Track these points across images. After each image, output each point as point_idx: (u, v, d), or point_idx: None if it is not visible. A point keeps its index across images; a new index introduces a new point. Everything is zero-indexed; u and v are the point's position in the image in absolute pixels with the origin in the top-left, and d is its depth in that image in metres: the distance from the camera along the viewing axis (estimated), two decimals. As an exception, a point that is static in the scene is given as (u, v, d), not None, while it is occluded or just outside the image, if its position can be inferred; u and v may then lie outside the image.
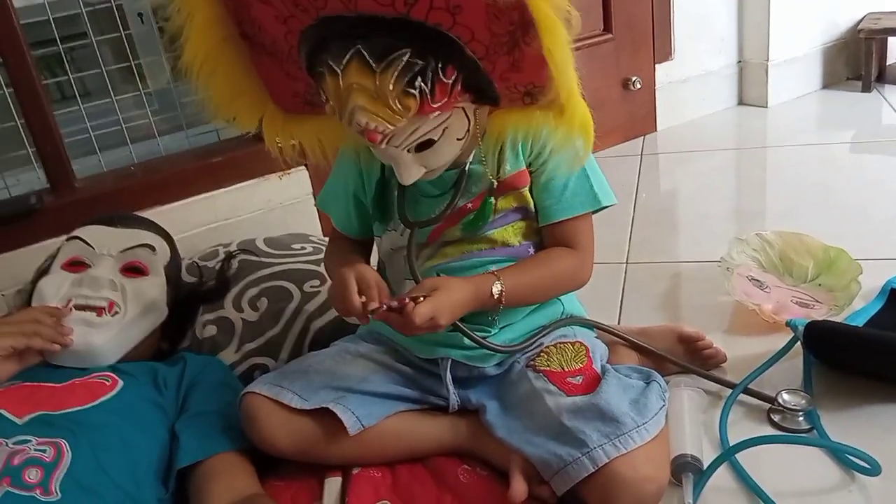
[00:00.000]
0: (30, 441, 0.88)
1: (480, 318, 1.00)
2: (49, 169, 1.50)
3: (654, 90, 2.24)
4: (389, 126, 0.81)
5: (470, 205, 1.00)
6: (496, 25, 0.78)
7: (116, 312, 1.07)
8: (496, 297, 0.95)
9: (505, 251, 1.02)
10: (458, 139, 0.90)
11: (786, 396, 1.05)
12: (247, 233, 1.49)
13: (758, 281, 1.33)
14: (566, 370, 0.97)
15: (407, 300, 0.88)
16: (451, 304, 0.91)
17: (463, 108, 0.87)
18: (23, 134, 1.54)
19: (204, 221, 1.59)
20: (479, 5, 0.75)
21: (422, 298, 0.89)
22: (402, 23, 0.77)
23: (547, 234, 1.03)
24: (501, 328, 1.02)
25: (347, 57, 0.78)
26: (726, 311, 1.31)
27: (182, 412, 1.04)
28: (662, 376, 0.98)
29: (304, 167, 1.67)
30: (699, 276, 1.44)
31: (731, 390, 1.09)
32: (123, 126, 1.66)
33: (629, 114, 2.21)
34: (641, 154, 2.16)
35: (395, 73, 0.78)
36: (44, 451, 0.87)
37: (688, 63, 2.26)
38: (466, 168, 0.98)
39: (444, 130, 0.86)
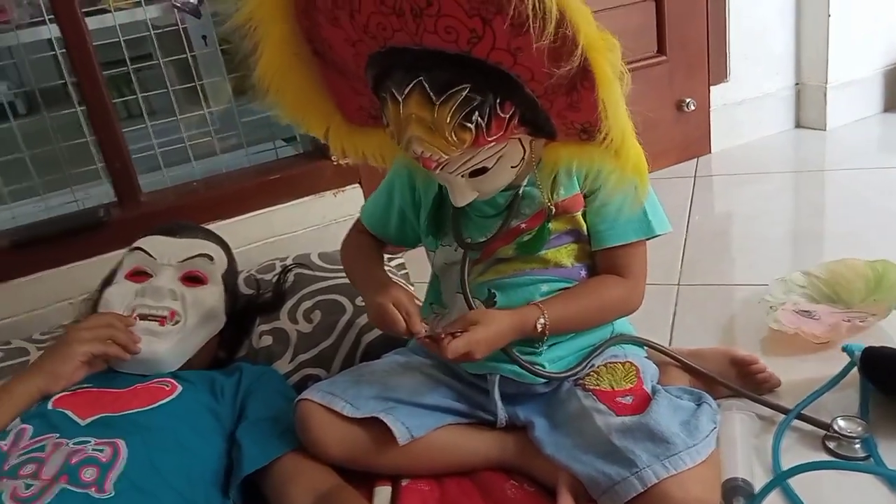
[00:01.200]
0: (89, 441, 0.92)
1: (530, 339, 1.00)
2: (117, 184, 1.57)
3: (709, 112, 2.22)
4: (444, 156, 0.84)
5: (524, 225, 1.01)
6: (555, 68, 0.79)
7: (178, 321, 1.11)
8: (539, 329, 0.97)
9: (557, 272, 1.02)
10: (513, 167, 0.91)
11: (841, 423, 1.03)
12: (302, 247, 1.53)
13: (807, 312, 1.30)
14: (616, 389, 0.97)
15: (443, 335, 0.92)
16: (487, 339, 0.93)
17: (519, 139, 0.89)
18: (93, 150, 1.61)
19: (261, 236, 1.64)
20: (540, 49, 0.76)
21: (459, 333, 0.92)
22: (464, 59, 0.80)
23: (599, 259, 1.03)
24: (549, 346, 1.02)
25: (409, 87, 0.81)
26: (780, 335, 1.29)
27: (240, 420, 1.07)
28: (714, 397, 0.98)
29: (357, 185, 1.71)
30: (753, 300, 1.42)
31: (784, 415, 1.07)
32: (187, 144, 1.72)
33: (683, 135, 2.20)
34: (695, 175, 2.14)
35: (453, 107, 0.80)
36: (101, 450, 0.91)
37: (744, 85, 2.24)
38: (521, 191, 0.99)
39: (498, 159, 0.88)
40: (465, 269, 1.00)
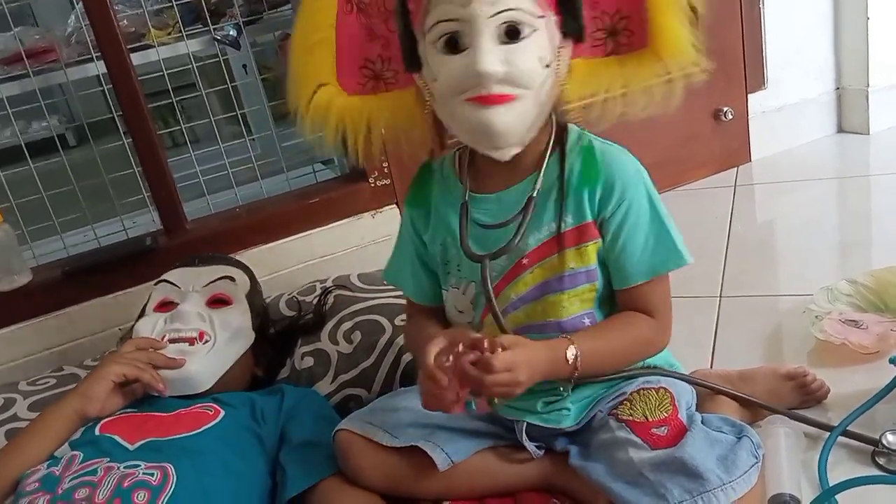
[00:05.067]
0: (139, 465, 0.95)
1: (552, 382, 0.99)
2: (163, 212, 1.61)
3: (748, 120, 2.19)
4: None
5: (526, 261, 0.97)
6: None
7: (207, 340, 1.14)
8: (571, 361, 0.92)
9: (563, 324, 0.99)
10: (543, 63, 0.88)
11: (891, 437, 1.00)
12: (342, 269, 1.55)
13: (853, 321, 1.27)
14: (650, 420, 0.92)
15: (486, 342, 0.86)
16: (528, 360, 0.88)
17: (551, 31, 0.88)
18: (140, 180, 1.67)
19: (302, 259, 1.67)
20: None
21: (500, 349, 0.86)
22: None
23: (621, 298, 0.99)
24: (576, 386, 0.99)
25: None
26: (826, 346, 1.26)
27: (283, 443, 1.09)
28: (761, 419, 0.95)
29: (394, 205, 1.73)
30: (797, 310, 1.39)
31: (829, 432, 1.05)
32: (229, 170, 1.77)
33: (721, 145, 2.17)
34: (735, 185, 2.11)
35: None
36: (151, 474, 0.94)
37: (782, 91, 2.20)
38: (535, 193, 0.96)
39: (533, 31, 0.87)
40: (489, 282, 0.95)
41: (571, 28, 0.91)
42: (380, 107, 1.03)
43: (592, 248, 0.97)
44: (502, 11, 0.86)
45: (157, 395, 1.10)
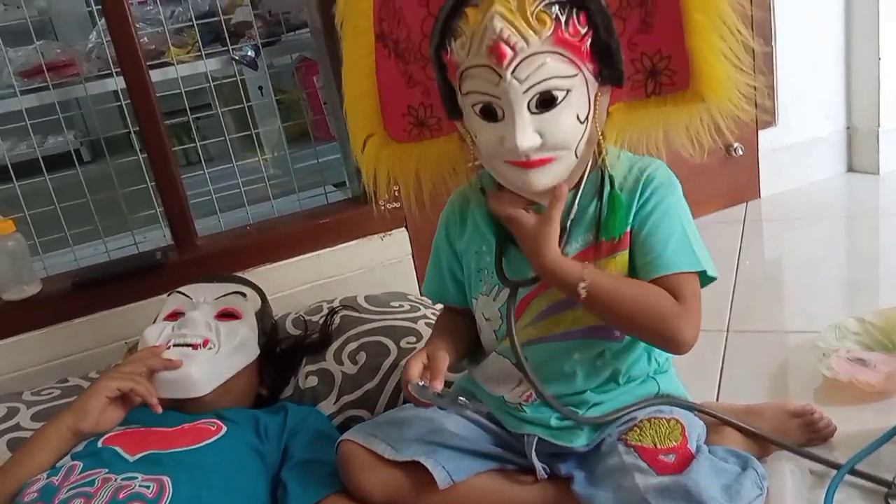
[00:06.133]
0: (136, 477, 0.95)
1: (569, 399, 1.00)
2: (174, 228, 1.62)
3: (758, 156, 2.20)
4: (521, 39, 0.83)
5: None
6: None
7: (210, 348, 1.15)
8: (580, 275, 0.90)
9: (591, 332, 0.99)
10: (579, 120, 0.89)
11: (902, 477, 0.99)
12: (349, 290, 1.55)
13: (861, 360, 1.27)
14: (659, 447, 0.92)
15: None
16: (534, 224, 0.92)
17: (586, 85, 0.88)
18: (153, 195, 1.68)
19: (310, 278, 1.67)
20: None
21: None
22: None
23: None
24: (591, 406, 1.01)
25: None
26: (834, 383, 1.25)
27: (285, 460, 1.08)
28: (768, 454, 0.94)
29: (403, 229, 1.74)
30: (805, 347, 1.39)
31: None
32: (242, 189, 1.78)
33: (731, 180, 2.18)
34: (744, 220, 2.11)
35: None
36: (147, 487, 0.93)
37: (793, 129, 2.21)
38: (569, 221, 0.96)
39: (567, 93, 0.86)
40: (512, 312, 0.97)
41: (609, 76, 0.90)
42: (427, 154, 1.04)
43: (622, 258, 0.97)
44: (536, 84, 0.86)
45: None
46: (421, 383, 0.93)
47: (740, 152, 2.15)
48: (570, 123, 0.88)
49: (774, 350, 1.43)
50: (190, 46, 1.82)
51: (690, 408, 1.03)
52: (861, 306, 1.48)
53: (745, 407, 1.17)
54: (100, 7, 1.52)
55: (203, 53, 1.76)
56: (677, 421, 0.97)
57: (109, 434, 1.05)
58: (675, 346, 0.94)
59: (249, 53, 1.81)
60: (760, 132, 2.17)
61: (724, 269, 1.80)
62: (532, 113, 0.87)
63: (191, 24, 1.80)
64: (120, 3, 1.46)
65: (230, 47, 1.79)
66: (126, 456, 1.00)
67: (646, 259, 0.95)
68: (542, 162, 0.89)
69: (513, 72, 0.84)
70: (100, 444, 1.02)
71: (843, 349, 1.30)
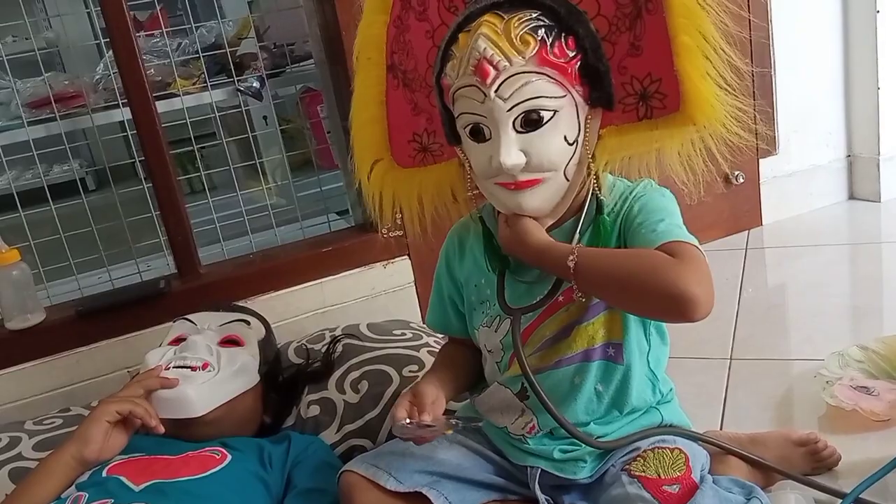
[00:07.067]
0: None
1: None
2: (178, 256, 1.63)
3: (759, 184, 2.21)
4: (504, 59, 0.85)
5: (561, 298, 0.98)
6: None
7: (210, 371, 1.15)
8: (569, 248, 0.90)
9: (593, 354, 0.99)
10: (568, 142, 0.89)
11: (907, 507, 0.98)
12: (352, 318, 1.55)
13: (865, 388, 1.26)
14: (663, 478, 0.91)
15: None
16: (519, 222, 0.92)
17: (576, 107, 0.89)
18: (157, 224, 1.69)
19: (313, 306, 1.68)
20: None
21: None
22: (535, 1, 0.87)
23: None
24: (595, 438, 1.00)
25: (482, 9, 0.88)
26: (838, 412, 1.25)
27: (289, 489, 1.08)
28: (772, 484, 0.93)
29: (406, 257, 1.74)
30: (808, 375, 1.38)
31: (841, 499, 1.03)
32: (245, 218, 1.79)
33: (732, 208, 2.19)
34: (746, 248, 2.12)
35: (522, 20, 0.85)
36: None
37: (794, 157, 2.23)
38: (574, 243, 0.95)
39: (554, 113, 0.87)
40: (517, 338, 0.96)
41: (599, 98, 0.91)
42: (428, 179, 1.07)
43: None
44: (520, 103, 0.87)
45: (162, 434, 1.09)
46: (406, 422, 0.94)
47: (741, 180, 2.16)
48: (557, 144, 0.89)
49: (778, 378, 1.43)
50: (196, 78, 1.84)
51: (694, 437, 1.03)
52: (864, 334, 1.48)
53: (749, 436, 1.16)
54: (107, 39, 1.55)
55: (209, 85, 1.78)
56: (681, 451, 0.96)
57: (114, 463, 1.05)
58: (684, 304, 0.82)
59: (255, 85, 1.83)
60: (761, 160, 2.19)
61: (727, 297, 1.80)
62: (518, 132, 0.88)
63: (197, 56, 1.82)
64: (127, 35, 1.49)
65: (235, 78, 1.82)
66: (131, 485, 0.99)
67: (637, 243, 0.92)
68: (531, 183, 0.90)
69: (496, 90, 0.86)
70: (104, 473, 1.02)
71: (846, 377, 1.30)
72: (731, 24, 0.86)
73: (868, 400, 1.22)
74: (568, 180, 0.92)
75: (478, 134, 0.91)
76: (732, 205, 2.19)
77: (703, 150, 0.90)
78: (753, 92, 2.12)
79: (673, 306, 0.83)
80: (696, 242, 0.89)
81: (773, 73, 2.13)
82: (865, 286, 1.86)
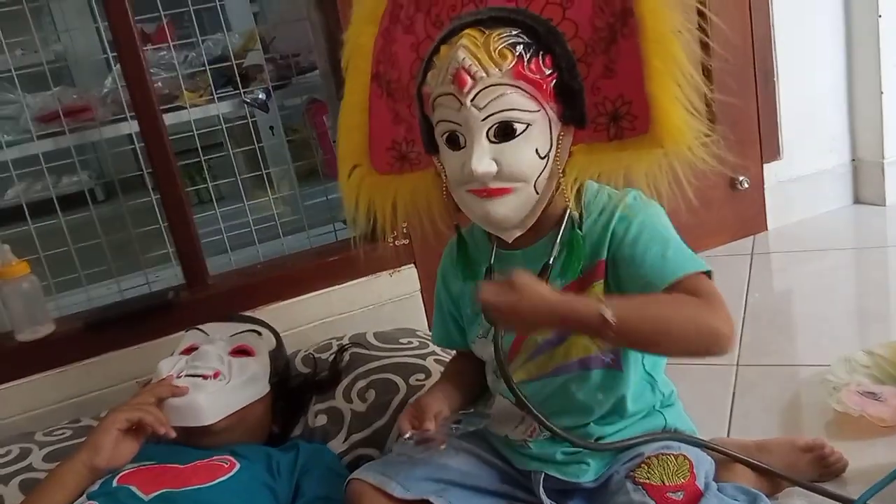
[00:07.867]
0: None
1: (576, 431, 1.00)
2: (186, 267, 1.64)
3: (763, 190, 2.21)
4: (482, 70, 0.87)
5: None
6: (599, 19, 0.89)
7: (221, 380, 1.16)
8: (603, 317, 0.82)
9: (587, 363, 0.99)
10: (539, 155, 0.91)
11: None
12: (359, 327, 1.56)
13: (872, 393, 1.26)
14: (667, 485, 0.91)
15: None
16: (532, 293, 0.84)
17: (549, 122, 0.91)
18: (165, 235, 1.70)
19: (320, 316, 1.68)
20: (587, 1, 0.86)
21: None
22: (515, 20, 0.90)
23: None
24: (596, 440, 1.00)
25: (465, 24, 0.91)
26: (845, 417, 1.25)
27: (297, 497, 1.09)
28: (779, 491, 0.93)
29: (412, 265, 1.75)
30: (815, 380, 1.38)
31: (849, 504, 1.03)
32: (253, 228, 1.80)
33: (737, 214, 2.19)
34: (752, 254, 2.12)
35: (502, 35, 0.88)
36: None
37: (798, 162, 2.23)
38: (551, 259, 0.96)
39: (527, 126, 0.89)
40: (500, 346, 0.95)
41: (572, 117, 0.92)
42: (404, 185, 1.09)
43: (598, 287, 0.96)
44: (494, 114, 0.89)
45: (174, 441, 1.11)
46: (407, 436, 0.96)
47: (746, 185, 2.16)
48: (528, 156, 0.91)
49: (784, 384, 1.43)
50: (203, 90, 1.86)
51: (699, 444, 1.03)
52: (871, 338, 1.48)
53: (756, 443, 1.16)
54: (115, 53, 1.57)
55: (215, 97, 1.80)
56: (685, 457, 0.96)
57: (124, 472, 1.05)
58: (717, 345, 0.86)
59: (261, 96, 1.85)
60: (766, 165, 2.19)
61: (733, 302, 1.80)
62: (491, 142, 0.90)
63: (204, 68, 1.84)
64: (135, 49, 1.50)
65: (242, 90, 1.83)
66: (141, 495, 1.00)
67: (647, 274, 0.92)
68: (501, 192, 0.91)
69: (472, 99, 0.89)
70: (115, 483, 1.03)
71: (853, 383, 1.30)
72: (699, 51, 0.89)
73: (875, 405, 1.22)
74: (538, 193, 0.93)
75: (454, 142, 0.93)
76: (738, 210, 2.19)
77: (669, 173, 0.90)
78: (757, 96, 2.13)
79: (708, 350, 0.87)
80: (703, 266, 0.91)
81: (776, 78, 2.14)
82: (871, 290, 1.86)
